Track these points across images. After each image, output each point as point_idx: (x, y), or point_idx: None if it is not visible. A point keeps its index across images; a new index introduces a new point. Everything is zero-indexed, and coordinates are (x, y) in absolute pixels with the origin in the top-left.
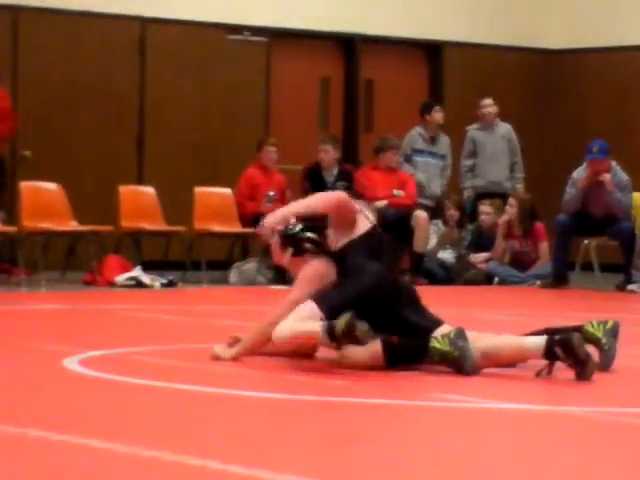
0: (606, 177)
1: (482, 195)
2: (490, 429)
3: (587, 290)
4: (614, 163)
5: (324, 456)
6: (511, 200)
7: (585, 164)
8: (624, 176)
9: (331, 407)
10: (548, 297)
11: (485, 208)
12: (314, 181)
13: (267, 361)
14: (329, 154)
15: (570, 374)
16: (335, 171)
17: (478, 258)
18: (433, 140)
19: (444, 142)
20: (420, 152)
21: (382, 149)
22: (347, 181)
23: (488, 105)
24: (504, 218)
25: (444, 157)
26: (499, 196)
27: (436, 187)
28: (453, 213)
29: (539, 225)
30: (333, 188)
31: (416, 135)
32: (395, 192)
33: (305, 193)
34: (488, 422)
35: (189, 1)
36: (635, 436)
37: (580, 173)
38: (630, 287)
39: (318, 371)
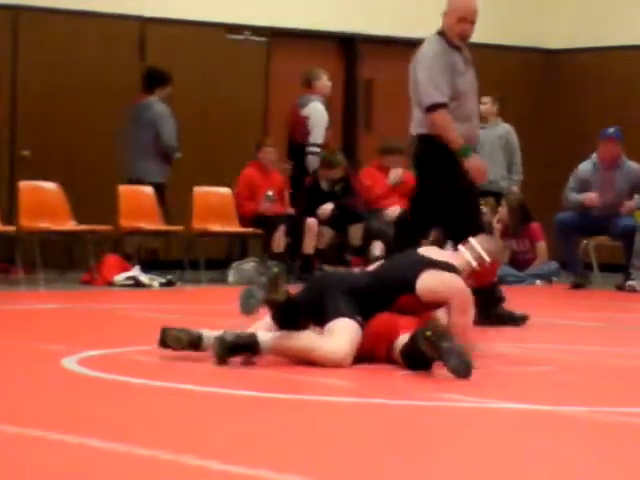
0: (630, 205)
1: None
2: (490, 429)
3: (586, 290)
4: (625, 157)
5: (324, 456)
6: (503, 200)
7: (593, 155)
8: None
9: (331, 407)
10: (547, 297)
11: None
12: (313, 195)
13: (267, 361)
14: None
15: (572, 375)
16: None
17: None
18: None
19: None
20: None
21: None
22: (342, 179)
23: (483, 103)
24: (496, 217)
25: None
26: (494, 195)
27: None
28: None
29: (535, 225)
30: (330, 191)
31: None
32: (392, 179)
33: (300, 207)
34: (488, 422)
35: (189, 1)
36: (635, 436)
37: (585, 167)
38: (630, 283)
39: (318, 371)
